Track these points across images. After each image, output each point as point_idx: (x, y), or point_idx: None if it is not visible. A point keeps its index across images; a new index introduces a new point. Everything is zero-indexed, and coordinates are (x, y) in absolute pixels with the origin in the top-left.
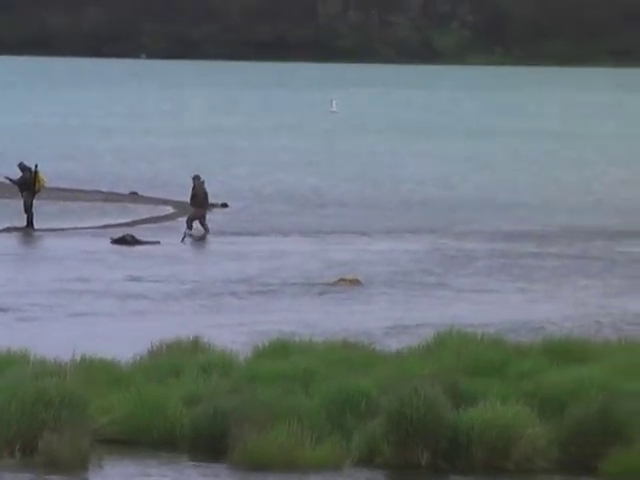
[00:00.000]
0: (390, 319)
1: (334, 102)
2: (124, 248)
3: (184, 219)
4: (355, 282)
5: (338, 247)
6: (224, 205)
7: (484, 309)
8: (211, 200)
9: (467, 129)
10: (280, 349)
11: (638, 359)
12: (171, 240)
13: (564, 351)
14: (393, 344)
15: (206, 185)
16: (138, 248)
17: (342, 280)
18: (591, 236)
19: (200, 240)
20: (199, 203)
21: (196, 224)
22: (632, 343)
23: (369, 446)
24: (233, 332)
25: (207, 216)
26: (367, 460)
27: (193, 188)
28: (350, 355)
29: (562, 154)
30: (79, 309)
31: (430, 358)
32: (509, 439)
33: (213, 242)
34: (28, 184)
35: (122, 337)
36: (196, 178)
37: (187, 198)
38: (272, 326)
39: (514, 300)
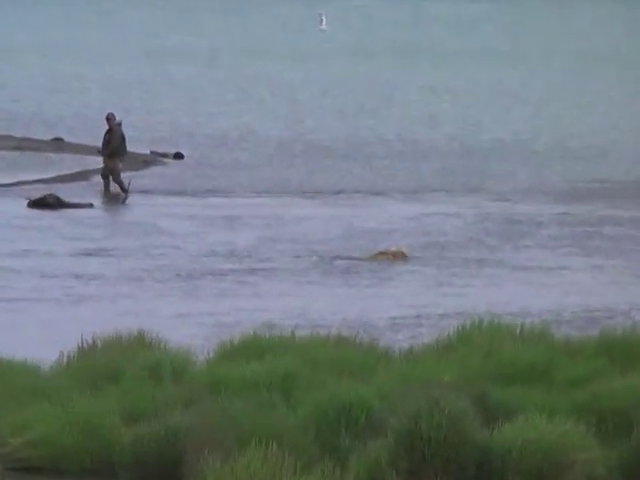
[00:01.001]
0: (414, 307)
1: (324, 18)
2: (46, 213)
3: (129, 174)
4: (399, 255)
5: (353, 211)
6: (178, 155)
7: (542, 293)
8: (157, 148)
9: (489, 51)
10: (254, 347)
11: None
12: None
13: (629, 350)
14: (404, 340)
15: (131, 127)
16: (66, 212)
17: (382, 254)
18: None
19: (114, 203)
20: (115, 151)
21: (111, 186)
22: None
23: (371, 474)
24: (199, 323)
25: (155, 169)
26: None
27: (109, 132)
28: (345, 354)
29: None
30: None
31: (452, 359)
32: (557, 466)
33: (178, 204)
34: None
35: (53, 331)
36: (112, 117)
37: (132, 144)
38: (256, 316)
39: (584, 281)
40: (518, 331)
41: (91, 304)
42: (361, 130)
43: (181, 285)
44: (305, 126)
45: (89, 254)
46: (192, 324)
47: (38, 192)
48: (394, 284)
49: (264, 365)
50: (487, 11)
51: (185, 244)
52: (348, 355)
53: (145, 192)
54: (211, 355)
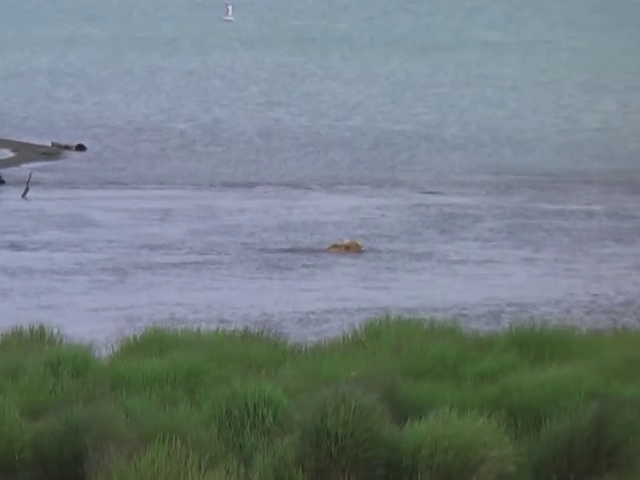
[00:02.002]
0: (333, 300)
1: (230, 7)
2: None
3: (28, 165)
4: (353, 247)
5: (283, 203)
6: (80, 147)
7: (468, 287)
8: (58, 140)
9: (399, 41)
10: (158, 342)
11: (635, 354)
12: (9, 194)
13: (539, 345)
14: (313, 335)
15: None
16: None
17: (335, 246)
18: (622, 186)
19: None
20: None
21: None
22: (628, 334)
23: (277, 472)
24: (109, 318)
25: (58, 162)
26: None
27: None
28: (251, 350)
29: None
30: None
31: (360, 354)
32: (468, 463)
33: (103, 197)
34: None
35: None
36: None
37: (32, 136)
38: (170, 309)
39: (516, 274)
40: (427, 326)
41: (13, 298)
42: (269, 121)
43: (107, 279)
44: (211, 117)
45: (18, 247)
46: (105, 318)
47: None
48: (322, 278)
49: (168, 360)
50: (399, 1)
51: (119, 237)
52: (254, 350)
53: (51, 184)
54: (115, 350)
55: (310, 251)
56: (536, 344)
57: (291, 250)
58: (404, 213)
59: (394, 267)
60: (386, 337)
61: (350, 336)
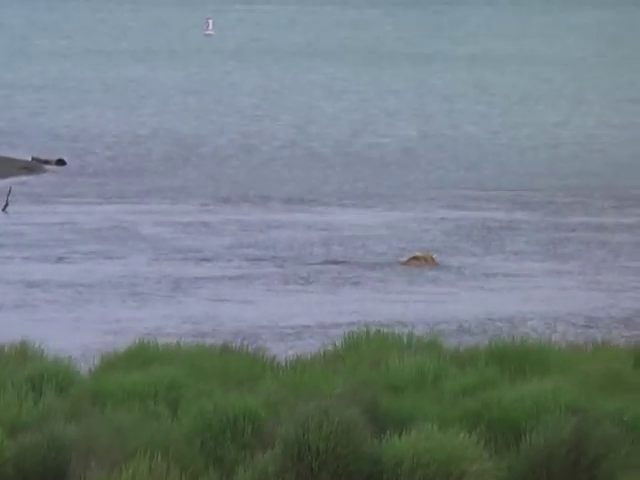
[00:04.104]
0: (334, 313)
1: (211, 22)
2: None
3: (8, 180)
4: (429, 260)
5: (316, 218)
6: (61, 162)
7: (486, 301)
8: (38, 154)
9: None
10: (139, 357)
11: (615, 368)
12: None
13: (520, 360)
14: (291, 348)
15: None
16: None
17: (415, 259)
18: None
19: None
20: None
21: None
22: (607, 347)
23: None
24: (92, 332)
25: (39, 176)
26: None
27: None
28: (232, 364)
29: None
30: None
31: (340, 368)
32: (449, 477)
33: (74, 212)
34: None
35: None
36: None
37: (11, 150)
38: (152, 324)
39: (544, 287)
40: (406, 340)
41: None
42: (251, 134)
43: (90, 292)
44: (189, 131)
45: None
46: (86, 333)
47: None
48: (331, 290)
49: (149, 375)
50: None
51: (101, 248)
52: (234, 365)
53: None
54: (96, 364)
55: (382, 264)
56: (516, 359)
57: (356, 264)
58: (438, 227)
59: (410, 281)
60: (365, 351)
61: (329, 350)
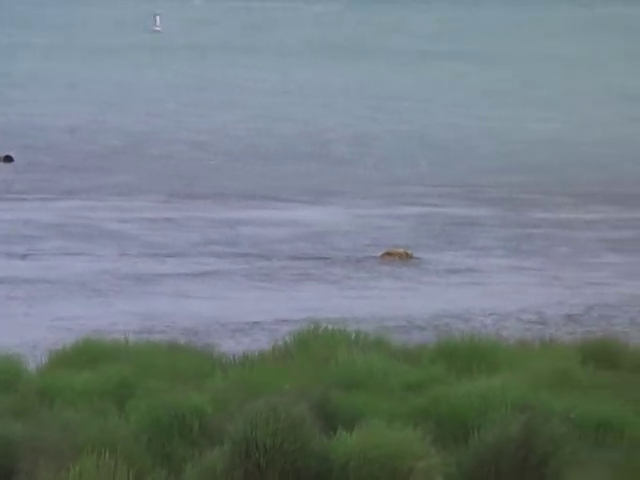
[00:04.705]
0: (291, 310)
1: (158, 18)
2: None
3: None
4: (404, 256)
5: (243, 214)
6: (8, 158)
7: (442, 297)
8: None
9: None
10: (87, 354)
11: (563, 365)
12: None
13: (467, 356)
14: (242, 345)
15: None
16: None
17: (389, 254)
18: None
19: None
20: None
21: None
22: (555, 345)
23: None
24: (44, 329)
25: None
26: None
27: None
28: (180, 361)
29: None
30: None
31: (289, 365)
32: (396, 473)
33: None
34: None
35: None
36: None
37: None
38: (114, 319)
39: (502, 283)
40: (354, 337)
41: None
42: (201, 131)
43: (43, 287)
44: (138, 127)
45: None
46: (41, 330)
47: None
48: (281, 287)
49: (97, 372)
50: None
51: (47, 247)
52: (183, 362)
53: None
54: (44, 361)
55: (346, 260)
56: (464, 355)
57: (320, 260)
58: (401, 223)
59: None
60: (314, 348)
61: (278, 347)
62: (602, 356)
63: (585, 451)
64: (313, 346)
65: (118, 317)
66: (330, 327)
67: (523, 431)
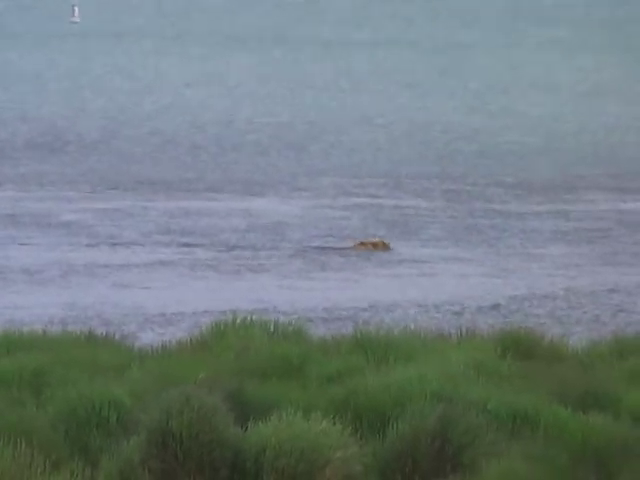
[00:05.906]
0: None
1: (76, 8)
2: None
3: None
4: (380, 246)
5: (189, 204)
6: None
7: (370, 288)
8: None
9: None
10: (3, 344)
11: (479, 357)
12: None
13: (384, 348)
14: (160, 337)
15: None
16: None
17: (362, 244)
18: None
19: None
20: None
21: None
22: (472, 337)
23: (122, 474)
24: None
25: None
26: None
27: None
28: (98, 352)
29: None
30: None
31: (206, 356)
32: (313, 465)
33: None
34: None
35: None
36: None
37: None
38: (43, 310)
39: (439, 274)
40: (272, 328)
41: None
42: (119, 121)
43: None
44: (61, 119)
45: None
46: None
47: None
48: (227, 277)
49: (14, 361)
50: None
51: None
52: (100, 353)
53: None
54: None
55: (291, 251)
56: (380, 347)
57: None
58: (346, 214)
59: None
60: (231, 338)
61: (196, 337)
62: (519, 348)
63: (501, 442)
64: (230, 336)
65: (46, 308)
66: (248, 317)
67: (439, 422)
